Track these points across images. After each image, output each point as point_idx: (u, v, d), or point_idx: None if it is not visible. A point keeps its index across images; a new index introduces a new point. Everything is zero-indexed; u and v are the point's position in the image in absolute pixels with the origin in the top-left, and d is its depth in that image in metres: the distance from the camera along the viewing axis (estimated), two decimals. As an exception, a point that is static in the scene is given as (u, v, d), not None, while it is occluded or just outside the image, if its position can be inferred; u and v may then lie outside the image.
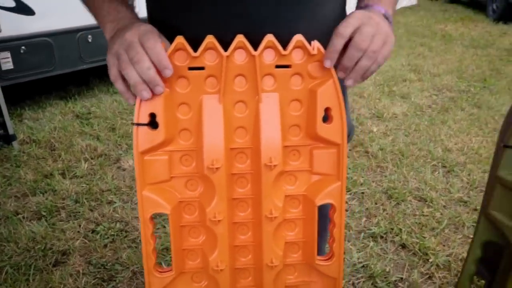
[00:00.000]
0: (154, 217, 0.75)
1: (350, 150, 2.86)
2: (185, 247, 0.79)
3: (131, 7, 0.79)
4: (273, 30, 0.70)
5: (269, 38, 0.68)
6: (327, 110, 0.72)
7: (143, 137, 0.70)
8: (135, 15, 0.77)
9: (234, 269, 0.81)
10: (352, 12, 0.71)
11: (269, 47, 0.69)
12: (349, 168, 2.61)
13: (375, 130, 3.15)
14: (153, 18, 0.84)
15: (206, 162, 0.71)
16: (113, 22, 0.74)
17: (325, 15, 0.78)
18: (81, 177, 2.50)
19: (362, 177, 2.52)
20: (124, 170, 2.61)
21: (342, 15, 0.85)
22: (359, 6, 0.77)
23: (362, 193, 2.38)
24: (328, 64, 0.68)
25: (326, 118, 0.73)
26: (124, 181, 2.47)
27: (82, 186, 2.40)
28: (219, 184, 0.72)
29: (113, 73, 0.68)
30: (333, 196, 0.76)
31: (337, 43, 0.66)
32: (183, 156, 0.74)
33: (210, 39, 0.67)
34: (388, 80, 4.34)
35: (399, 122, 3.31)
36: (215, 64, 0.69)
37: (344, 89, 0.96)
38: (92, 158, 2.71)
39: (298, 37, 0.69)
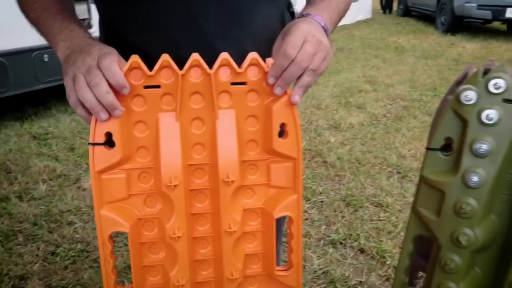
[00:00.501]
0: (116, 235, 0.75)
1: (309, 160, 2.94)
2: (145, 263, 0.79)
3: (84, 26, 0.79)
4: (224, 46, 0.73)
5: (224, 56, 0.70)
6: (282, 125, 0.74)
7: (99, 157, 0.70)
8: (88, 34, 0.77)
9: (195, 283, 0.81)
10: (297, 25, 0.73)
11: (224, 65, 0.71)
12: (308, 178, 2.67)
13: (332, 140, 3.24)
14: (108, 38, 0.86)
15: (164, 180, 0.72)
16: (66, 40, 0.74)
17: (273, 33, 0.82)
18: (39, 199, 2.44)
19: (321, 186, 2.59)
20: (84, 190, 2.57)
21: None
22: (301, 14, 0.81)
23: (321, 201, 2.44)
24: (272, 81, 0.71)
25: (282, 133, 0.75)
26: (84, 201, 2.44)
27: (41, 208, 2.35)
28: (177, 201, 0.73)
29: (72, 100, 0.68)
30: (290, 208, 0.78)
31: (284, 63, 0.69)
32: (141, 173, 0.74)
33: (165, 58, 0.68)
34: (345, 92, 4.48)
35: (356, 132, 3.42)
36: (171, 83, 0.70)
37: None
38: (50, 179, 2.66)
39: (253, 55, 0.71)
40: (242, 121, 0.74)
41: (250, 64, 0.71)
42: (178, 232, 0.74)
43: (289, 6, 0.94)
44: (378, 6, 13.13)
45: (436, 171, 0.65)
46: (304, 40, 0.69)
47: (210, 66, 0.70)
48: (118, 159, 0.71)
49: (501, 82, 0.59)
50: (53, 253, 2.00)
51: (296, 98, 0.71)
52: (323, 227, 2.22)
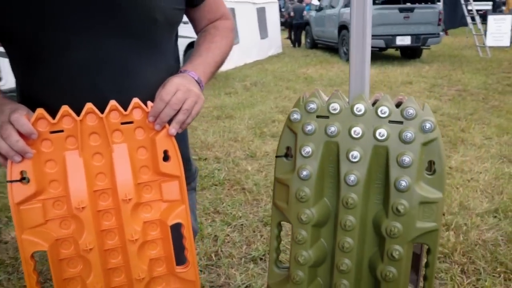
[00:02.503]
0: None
1: (228, 189, 3.16)
2: (65, 277, 0.94)
3: None
4: (116, 97, 0.92)
5: (112, 103, 0.90)
6: (165, 152, 0.95)
7: (17, 191, 0.87)
8: (1, 94, 0.94)
9: None
10: (172, 79, 0.95)
11: (113, 110, 0.91)
12: (228, 205, 2.88)
13: (249, 168, 3.49)
14: (22, 94, 1.02)
15: (73, 204, 0.89)
16: None
17: (156, 85, 0.99)
18: (-42, 259, 2.41)
19: (240, 211, 2.81)
20: (6, 243, 2.57)
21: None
22: (179, 71, 1.03)
23: (241, 224, 2.65)
24: (152, 119, 0.91)
25: (166, 158, 0.95)
26: (7, 253, 2.44)
27: (-40, 267, 2.32)
28: (86, 220, 0.90)
29: None
30: (180, 216, 0.98)
31: (160, 106, 0.90)
32: (55, 202, 0.91)
33: (65, 109, 0.88)
34: (259, 123, 4.80)
35: (271, 159, 3.71)
36: (72, 127, 0.89)
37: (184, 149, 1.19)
38: (-32, 237, 2.62)
39: (135, 100, 0.92)
40: (134, 152, 0.94)
41: (134, 107, 0.92)
42: (90, 245, 0.91)
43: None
44: (288, 41, 14.02)
45: (283, 172, 0.89)
46: (176, 89, 0.91)
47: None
48: (33, 192, 0.88)
49: (313, 104, 0.86)
50: (-24, 310, 2.00)
51: (172, 130, 0.92)
52: (244, 247, 2.43)
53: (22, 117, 0.84)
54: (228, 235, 2.57)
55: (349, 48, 0.90)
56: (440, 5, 9.67)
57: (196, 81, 0.98)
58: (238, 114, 5.29)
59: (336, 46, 10.38)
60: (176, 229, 0.99)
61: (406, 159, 0.79)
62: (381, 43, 8.73)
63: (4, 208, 2.94)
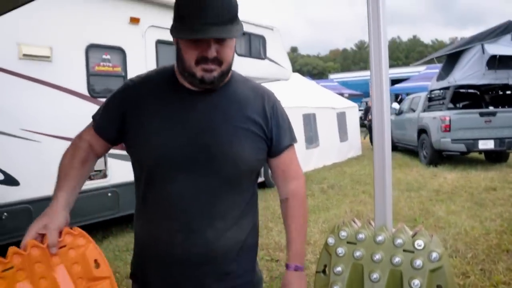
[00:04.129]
0: None
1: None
2: None
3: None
4: (201, 221, 1.22)
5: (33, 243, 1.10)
6: (95, 261, 1.14)
7: None
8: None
9: None
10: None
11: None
12: (296, 309, 2.99)
13: (319, 272, 3.59)
14: (137, 203, 1.36)
15: None
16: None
17: (233, 215, 1.28)
18: None
19: (307, 315, 2.90)
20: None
21: None
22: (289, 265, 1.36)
23: (307, 329, 2.73)
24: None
25: (98, 266, 1.15)
26: None
27: None
28: None
29: None
30: None
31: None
32: None
33: (12, 249, 1.08)
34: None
35: (340, 264, 3.78)
36: (20, 262, 1.08)
37: None
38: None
39: (65, 229, 1.14)
40: (70, 267, 1.15)
41: (66, 233, 1.16)
42: None
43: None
44: (369, 143, 14.17)
45: (320, 285, 1.12)
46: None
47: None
48: None
49: (344, 232, 1.09)
50: None
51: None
52: None
53: None
54: None
55: (374, 181, 1.13)
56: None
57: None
58: (312, 217, 5.46)
59: (416, 149, 10.37)
60: None
61: (416, 282, 0.98)
62: (461, 147, 8.63)
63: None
